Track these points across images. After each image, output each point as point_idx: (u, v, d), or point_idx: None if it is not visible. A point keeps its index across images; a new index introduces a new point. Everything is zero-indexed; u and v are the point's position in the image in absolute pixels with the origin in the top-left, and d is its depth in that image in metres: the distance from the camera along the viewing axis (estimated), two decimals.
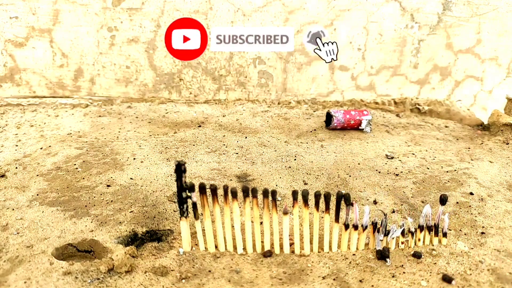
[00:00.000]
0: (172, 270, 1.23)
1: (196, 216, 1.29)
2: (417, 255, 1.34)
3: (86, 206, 1.52)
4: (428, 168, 1.98)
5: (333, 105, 2.93)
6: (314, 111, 2.83)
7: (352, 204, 1.33)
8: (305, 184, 1.78)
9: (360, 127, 2.42)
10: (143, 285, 1.17)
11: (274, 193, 1.27)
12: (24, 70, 2.62)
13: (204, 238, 1.34)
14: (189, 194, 1.27)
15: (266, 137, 2.29)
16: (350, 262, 1.31)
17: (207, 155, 2.01)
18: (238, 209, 1.29)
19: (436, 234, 1.40)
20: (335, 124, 2.40)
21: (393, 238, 1.37)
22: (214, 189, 1.27)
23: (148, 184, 1.70)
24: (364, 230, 1.36)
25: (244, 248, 1.34)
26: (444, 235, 1.40)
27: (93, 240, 1.35)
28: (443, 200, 1.36)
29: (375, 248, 1.37)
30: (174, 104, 2.78)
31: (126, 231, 1.40)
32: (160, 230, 1.42)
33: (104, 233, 1.38)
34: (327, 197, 1.30)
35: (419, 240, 1.40)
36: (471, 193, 1.75)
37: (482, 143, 2.43)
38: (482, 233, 1.48)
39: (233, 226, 1.36)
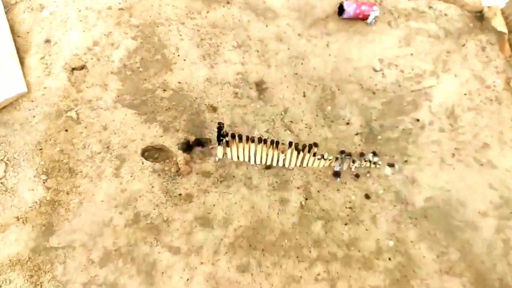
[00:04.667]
0: (211, 174, 2.15)
1: (227, 146, 2.10)
2: (357, 175, 2.24)
3: (153, 111, 2.26)
4: (400, 86, 2.60)
5: None
6: None
7: (323, 156, 2.14)
8: (304, 96, 2.46)
9: (367, 21, 2.80)
10: (197, 183, 2.11)
11: (277, 143, 2.05)
12: None
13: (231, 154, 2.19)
14: (226, 138, 2.05)
15: (283, 26, 2.72)
16: (316, 176, 2.22)
17: (234, 52, 2.55)
18: (254, 147, 2.09)
19: (375, 164, 2.27)
20: (345, 17, 2.77)
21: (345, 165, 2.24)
22: (240, 137, 2.03)
23: (191, 90, 2.37)
24: (328, 161, 2.21)
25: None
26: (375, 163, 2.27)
27: (163, 145, 2.18)
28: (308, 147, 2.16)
29: (334, 168, 2.26)
30: None
31: (182, 138, 2.21)
32: (203, 138, 2.24)
33: (168, 138, 2.20)
34: (310, 146, 2.09)
35: (362, 165, 2.27)
36: (418, 120, 2.48)
37: (464, 45, 2.89)
38: (405, 161, 2.34)
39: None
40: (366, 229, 2.12)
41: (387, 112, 2.49)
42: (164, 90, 2.34)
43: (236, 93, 2.40)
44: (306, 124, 2.36)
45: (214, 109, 2.33)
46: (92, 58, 2.36)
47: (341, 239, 2.07)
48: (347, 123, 2.41)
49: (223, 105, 2.34)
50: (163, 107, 2.28)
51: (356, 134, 2.38)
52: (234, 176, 2.15)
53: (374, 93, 2.55)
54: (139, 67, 2.38)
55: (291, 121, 2.36)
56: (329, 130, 2.36)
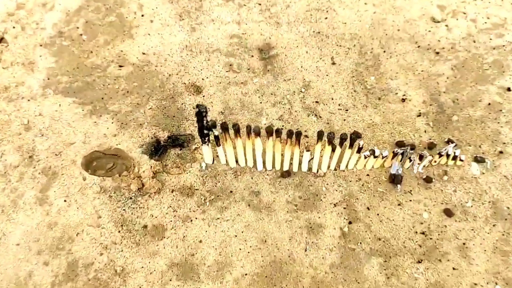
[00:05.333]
0: (196, 190, 1.34)
1: (218, 144, 1.29)
2: (428, 180, 1.40)
3: (102, 98, 1.47)
4: (475, 42, 1.74)
5: None
6: None
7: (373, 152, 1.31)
8: (333, 64, 1.64)
9: None
10: (172, 207, 1.30)
11: (298, 135, 1.22)
12: None
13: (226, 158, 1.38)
14: (213, 132, 1.23)
15: None
16: (362, 184, 1.39)
17: (225, 7, 1.74)
18: (260, 144, 1.27)
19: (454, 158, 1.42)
20: None
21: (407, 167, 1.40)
22: (237, 129, 1.21)
23: (162, 63, 1.57)
24: (383, 157, 1.37)
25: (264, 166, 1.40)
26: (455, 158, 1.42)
27: (118, 149, 1.39)
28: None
29: (389, 170, 1.42)
30: None
31: (148, 136, 1.41)
32: (181, 135, 1.43)
33: (127, 138, 1.40)
34: (351, 138, 1.26)
35: (435, 161, 1.43)
36: (508, 89, 1.62)
37: None
38: (500, 152, 1.48)
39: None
40: (454, 268, 1.27)
41: (461, 80, 1.64)
42: (121, 66, 1.55)
43: (231, 65, 1.59)
44: (339, 105, 1.53)
45: (197, 89, 1.52)
46: (14, 27, 1.58)
47: None
48: (403, 100, 1.57)
49: (211, 83, 1.54)
50: (118, 91, 1.49)
51: (419, 115, 1.54)
52: (231, 192, 1.34)
53: (437, 53, 1.70)
54: (81, 35, 1.59)
55: (317, 102, 1.54)
56: (375, 111, 1.53)
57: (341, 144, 1.27)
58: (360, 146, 1.30)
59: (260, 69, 1.59)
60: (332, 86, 1.58)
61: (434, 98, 1.58)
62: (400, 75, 1.63)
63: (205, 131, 1.22)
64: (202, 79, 1.55)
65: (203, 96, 1.50)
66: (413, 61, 1.66)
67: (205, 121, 1.18)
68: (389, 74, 1.63)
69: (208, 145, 1.29)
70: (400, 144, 1.45)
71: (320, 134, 1.23)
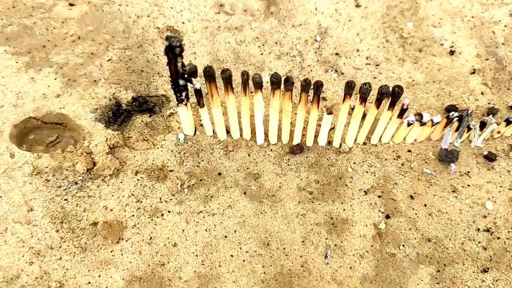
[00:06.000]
0: (170, 172, 0.95)
1: (201, 104, 0.90)
2: (490, 157, 1.02)
3: (44, 46, 1.07)
4: None
5: None
6: None
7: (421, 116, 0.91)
8: (358, 6, 1.23)
9: None
10: (135, 195, 0.91)
11: (319, 86, 0.83)
12: None
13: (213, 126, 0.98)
14: (193, 85, 0.84)
15: None
16: (402, 164, 1.00)
17: None
18: (262, 103, 0.88)
19: None
20: None
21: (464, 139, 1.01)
22: (228, 77, 0.82)
23: (128, 2, 1.16)
24: (433, 125, 0.98)
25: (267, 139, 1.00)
26: None
27: (62, 115, 0.99)
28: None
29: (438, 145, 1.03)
30: None
31: (105, 97, 1.01)
32: (152, 97, 1.04)
33: (75, 100, 1.00)
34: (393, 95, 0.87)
35: (498, 132, 1.04)
36: None
37: None
38: None
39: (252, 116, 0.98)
40: None
41: None
42: (71, 5, 1.14)
43: (221, 5, 1.19)
44: (367, 58, 1.14)
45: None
46: None
47: None
48: (451, 52, 1.17)
49: (194, 28, 1.14)
50: (66, 38, 1.09)
51: (473, 73, 1.15)
52: (220, 175, 0.95)
53: None
54: None
55: (337, 54, 1.14)
56: (416, 67, 1.14)
57: (378, 103, 0.88)
58: (405, 107, 0.90)
59: (260, 11, 1.19)
60: (357, 34, 1.18)
61: (490, 51, 1.19)
62: (445, 21, 1.23)
63: (181, 82, 0.82)
64: (183, 22, 1.15)
65: (183, 45, 1.10)
66: (460, 5, 1.27)
67: (179, 64, 0.78)
68: (431, 20, 1.23)
69: (186, 105, 0.90)
70: (450, 109, 1.07)
71: (349, 87, 0.84)
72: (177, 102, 0.89)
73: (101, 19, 1.12)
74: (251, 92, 0.96)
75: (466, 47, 1.18)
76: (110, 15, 1.13)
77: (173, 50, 0.75)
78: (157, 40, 1.10)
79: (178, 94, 0.86)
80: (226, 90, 0.85)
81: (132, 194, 0.92)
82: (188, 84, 0.85)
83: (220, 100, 0.89)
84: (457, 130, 0.98)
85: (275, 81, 0.80)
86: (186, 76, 0.81)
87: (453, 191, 0.98)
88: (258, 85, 0.82)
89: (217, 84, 0.84)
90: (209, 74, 0.80)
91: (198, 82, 0.83)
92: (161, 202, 0.91)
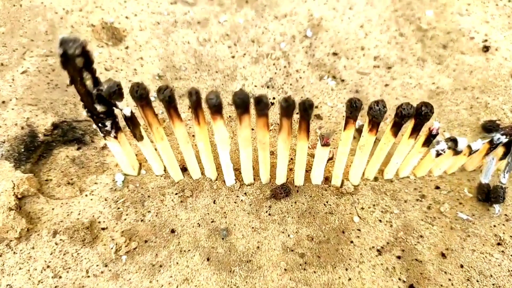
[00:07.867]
0: (103, 230, 0.66)
1: (137, 136, 0.61)
2: None
3: None
4: None
5: None
6: None
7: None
8: None
9: None
10: (51, 268, 0.63)
11: (307, 108, 0.54)
12: None
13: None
14: (121, 111, 0.55)
15: None
16: (428, 207, 0.72)
17: None
18: (225, 133, 0.59)
19: None
20: None
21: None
22: (168, 99, 0.53)
23: None
24: (471, 153, 0.69)
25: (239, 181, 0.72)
26: None
27: None
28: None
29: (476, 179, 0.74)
30: None
31: (16, 125, 0.73)
32: (80, 121, 0.75)
33: None
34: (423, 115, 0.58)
35: None
36: None
37: None
38: None
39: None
40: None
41: None
42: None
43: None
44: (375, 59, 0.85)
45: (116, 35, 0.83)
46: None
47: None
48: (485, 48, 0.89)
49: (142, 24, 0.85)
50: None
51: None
52: (173, 233, 0.67)
53: None
54: None
55: (334, 53, 0.85)
56: (440, 69, 0.85)
57: (396, 129, 0.60)
58: (435, 133, 0.62)
59: None
60: (361, 26, 0.89)
61: None
62: (474, 7, 0.94)
63: (99, 108, 0.54)
64: (126, 17, 0.86)
65: (127, 48, 0.81)
66: None
67: (88, 83, 0.50)
68: (456, 7, 0.94)
69: (116, 138, 0.61)
70: (490, 127, 0.78)
71: (353, 107, 0.55)
72: (102, 135, 0.60)
73: (18, 17, 0.83)
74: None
75: (503, 41, 0.90)
76: (30, 11, 0.84)
77: (72, 62, 0.46)
78: (91, 42, 0.82)
79: (99, 125, 0.57)
80: (170, 117, 0.56)
81: (48, 266, 0.64)
82: (114, 108, 0.57)
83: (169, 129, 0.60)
84: (502, 158, 0.70)
85: (240, 103, 0.51)
86: (106, 98, 0.53)
87: (499, 244, 0.70)
88: (216, 109, 0.54)
89: (152, 107, 0.56)
90: (138, 96, 0.52)
91: (125, 107, 0.55)
92: (89, 276, 0.63)
